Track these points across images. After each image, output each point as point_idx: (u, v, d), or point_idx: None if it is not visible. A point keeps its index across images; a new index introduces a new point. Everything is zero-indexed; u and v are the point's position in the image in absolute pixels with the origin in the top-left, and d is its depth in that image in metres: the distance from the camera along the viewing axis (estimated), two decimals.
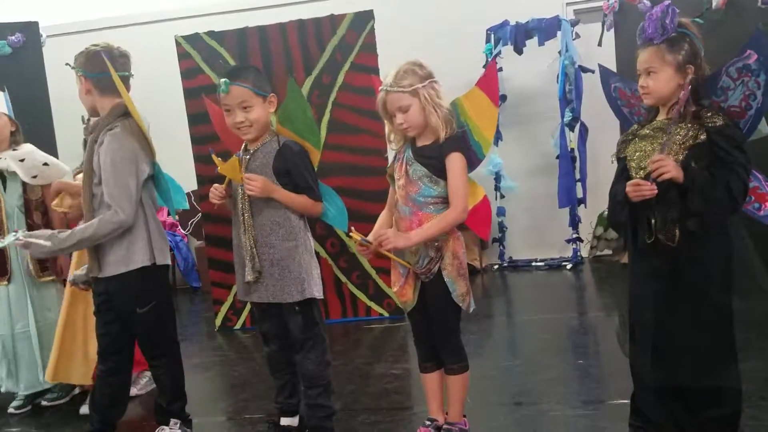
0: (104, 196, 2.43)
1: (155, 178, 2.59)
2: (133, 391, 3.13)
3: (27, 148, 3.32)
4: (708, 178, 2.01)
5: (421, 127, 2.32)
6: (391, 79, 2.29)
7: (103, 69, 2.46)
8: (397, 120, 2.31)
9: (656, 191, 2.01)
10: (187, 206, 2.88)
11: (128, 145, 2.43)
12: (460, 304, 2.36)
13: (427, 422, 2.52)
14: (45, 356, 3.22)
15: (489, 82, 2.44)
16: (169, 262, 2.60)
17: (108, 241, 2.46)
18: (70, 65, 2.55)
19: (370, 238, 2.34)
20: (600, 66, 2.56)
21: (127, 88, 2.51)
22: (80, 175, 2.96)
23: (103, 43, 2.56)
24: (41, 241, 2.39)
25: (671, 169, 1.98)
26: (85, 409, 3.11)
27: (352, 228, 2.33)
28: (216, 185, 2.51)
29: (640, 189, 2.03)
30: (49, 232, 2.46)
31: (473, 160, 2.41)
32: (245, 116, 2.42)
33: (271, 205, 2.44)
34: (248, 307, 4.48)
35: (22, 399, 3.31)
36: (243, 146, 2.54)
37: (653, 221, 2.08)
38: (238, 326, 4.59)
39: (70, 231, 2.44)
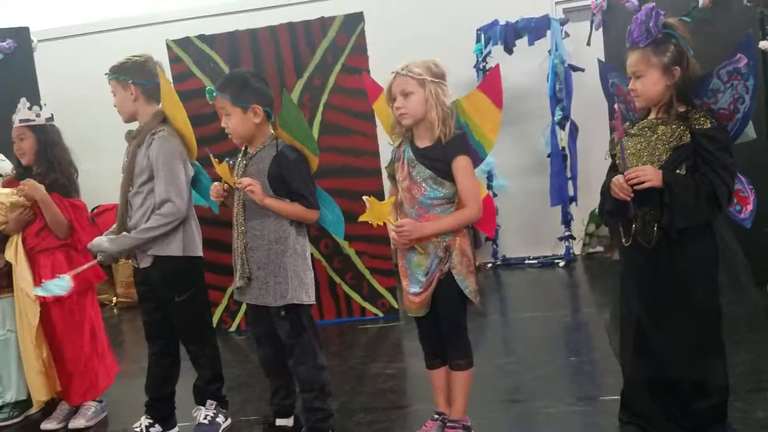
0: (157, 192, 2.62)
1: (196, 178, 2.80)
2: (82, 422, 3.09)
3: None
4: (690, 184, 2.03)
5: (417, 119, 2.33)
6: (404, 64, 2.33)
7: (150, 77, 2.68)
8: (397, 103, 2.32)
9: (631, 196, 2.05)
10: (217, 212, 2.96)
11: (177, 146, 2.66)
12: (474, 300, 2.42)
13: (436, 416, 2.57)
14: None
15: (492, 85, 2.44)
16: (201, 254, 2.82)
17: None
18: (110, 75, 2.69)
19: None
20: (599, 61, 2.59)
21: (158, 95, 2.71)
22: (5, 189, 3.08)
23: (145, 54, 2.74)
24: (98, 259, 2.65)
25: (650, 178, 2.03)
26: (47, 425, 3.10)
27: (370, 196, 2.36)
28: (216, 183, 2.60)
29: (620, 188, 2.07)
30: (104, 240, 2.63)
31: (475, 159, 2.43)
32: (226, 123, 2.48)
33: (263, 210, 2.46)
34: (243, 309, 4.49)
35: None
36: (243, 149, 2.56)
37: (633, 225, 2.12)
38: (233, 328, 4.60)
39: (124, 234, 2.63)
